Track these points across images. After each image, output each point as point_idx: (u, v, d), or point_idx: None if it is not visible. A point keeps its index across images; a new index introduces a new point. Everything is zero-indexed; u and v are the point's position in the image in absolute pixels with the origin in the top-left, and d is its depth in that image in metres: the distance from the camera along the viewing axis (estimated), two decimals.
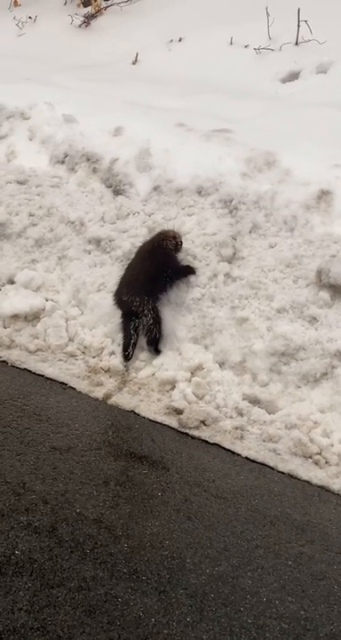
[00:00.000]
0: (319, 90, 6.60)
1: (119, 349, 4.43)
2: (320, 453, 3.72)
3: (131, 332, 4.40)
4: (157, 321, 4.40)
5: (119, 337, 4.47)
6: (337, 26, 7.08)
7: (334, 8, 7.31)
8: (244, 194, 4.86)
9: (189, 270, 4.61)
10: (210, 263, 4.65)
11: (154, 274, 4.46)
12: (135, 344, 4.43)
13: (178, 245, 4.61)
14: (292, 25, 7.10)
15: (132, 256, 4.71)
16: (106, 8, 9.00)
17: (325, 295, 4.24)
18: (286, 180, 4.84)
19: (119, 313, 4.51)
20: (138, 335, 4.44)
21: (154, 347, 4.44)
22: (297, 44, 7.20)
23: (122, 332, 4.46)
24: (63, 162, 5.64)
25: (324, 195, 4.64)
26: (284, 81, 6.95)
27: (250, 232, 4.72)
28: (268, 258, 4.55)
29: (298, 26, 7.07)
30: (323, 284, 4.26)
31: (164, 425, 3.94)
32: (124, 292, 4.45)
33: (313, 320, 4.21)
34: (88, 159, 5.52)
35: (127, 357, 4.41)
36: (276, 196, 4.77)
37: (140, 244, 4.75)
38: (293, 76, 6.96)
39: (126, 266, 4.66)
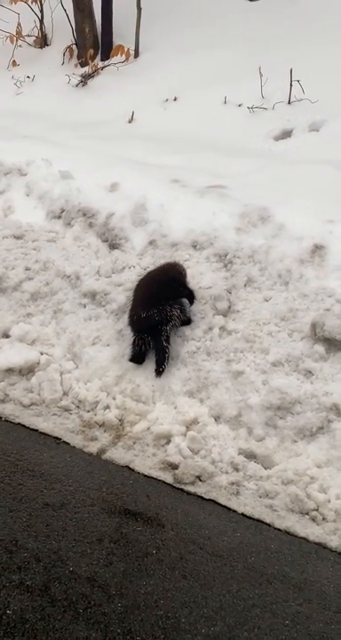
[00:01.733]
0: (311, 147, 6.73)
1: (114, 402, 4.41)
2: (317, 509, 3.66)
3: (164, 344, 4.45)
4: (184, 310, 4.53)
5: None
6: (329, 86, 7.26)
7: (325, 69, 7.51)
8: (239, 248, 4.91)
9: (192, 296, 4.67)
10: (206, 316, 4.67)
11: (168, 288, 4.53)
12: (168, 357, 4.48)
13: (183, 273, 4.69)
14: (285, 84, 7.28)
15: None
16: (102, 68, 9.21)
17: (320, 348, 4.25)
18: (280, 234, 4.90)
19: (134, 334, 4.55)
20: (169, 345, 4.48)
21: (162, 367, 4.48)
22: (289, 102, 7.37)
23: (156, 349, 4.49)
24: (59, 217, 5.70)
25: (318, 249, 4.69)
26: (277, 139, 7.09)
27: (245, 286, 4.75)
28: (263, 311, 4.57)
29: (291, 85, 7.25)
30: (318, 337, 4.27)
31: (159, 480, 3.88)
32: (140, 310, 4.48)
33: (309, 373, 4.21)
34: (84, 214, 5.58)
35: (159, 374, 4.45)
36: (270, 250, 4.82)
37: (143, 275, 4.81)
38: (286, 134, 7.10)
39: (134, 289, 4.71)
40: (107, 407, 4.42)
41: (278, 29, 8.58)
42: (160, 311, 4.45)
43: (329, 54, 7.77)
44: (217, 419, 4.23)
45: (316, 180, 5.68)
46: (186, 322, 4.64)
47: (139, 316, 4.50)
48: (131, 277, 5.03)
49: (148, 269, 4.95)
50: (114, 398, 4.45)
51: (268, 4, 9.43)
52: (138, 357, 4.56)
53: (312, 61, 7.58)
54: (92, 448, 4.12)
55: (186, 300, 4.61)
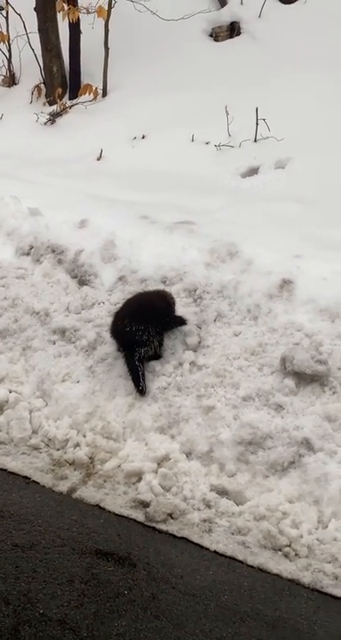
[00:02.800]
0: (278, 184, 6.85)
1: (84, 440, 4.36)
2: (289, 545, 3.64)
3: (136, 363, 4.50)
4: (159, 352, 4.62)
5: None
6: (293, 124, 7.43)
7: (289, 107, 7.69)
8: (208, 283, 4.93)
9: (182, 321, 4.71)
10: (176, 352, 4.67)
11: (158, 312, 4.58)
12: (144, 375, 4.53)
13: (172, 301, 4.75)
14: (251, 123, 7.41)
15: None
16: (71, 107, 9.30)
17: (290, 383, 4.26)
18: (248, 269, 4.94)
19: (116, 346, 4.66)
20: (144, 366, 4.54)
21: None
22: (255, 140, 7.50)
23: (128, 366, 4.56)
24: (28, 253, 5.68)
25: (286, 284, 4.73)
26: (244, 176, 7.20)
27: (215, 320, 4.77)
28: (233, 346, 4.58)
29: (257, 124, 7.39)
30: (288, 371, 4.29)
31: (130, 519, 3.83)
32: (127, 322, 4.53)
33: (279, 408, 4.21)
34: (53, 251, 5.57)
35: (142, 392, 4.47)
36: (239, 285, 4.85)
37: (135, 293, 4.86)
38: (253, 171, 7.22)
39: (123, 303, 4.78)
40: (78, 445, 4.37)
41: (243, 69, 8.77)
42: (142, 331, 4.49)
43: (292, 93, 7.97)
44: (188, 455, 4.21)
45: (283, 216, 5.77)
46: (156, 356, 4.65)
47: (124, 327, 4.54)
48: (101, 313, 5.02)
49: (140, 291, 4.96)
50: (84, 436, 4.40)
51: (233, 44, 9.65)
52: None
53: (276, 100, 7.76)
54: (62, 487, 4.06)
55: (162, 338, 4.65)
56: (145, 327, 4.50)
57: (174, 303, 4.78)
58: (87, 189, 6.41)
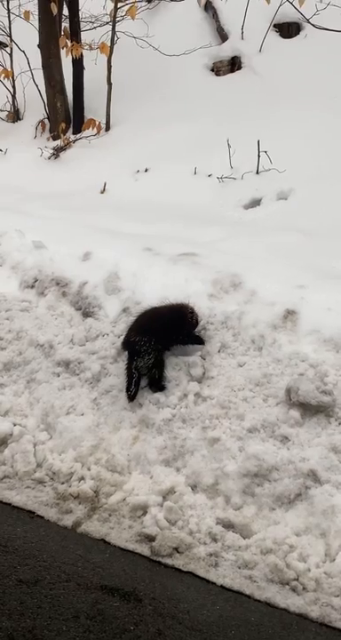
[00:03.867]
0: (280, 215, 6.88)
1: (89, 473, 4.34)
2: (297, 579, 3.59)
3: (132, 370, 4.62)
4: (158, 364, 4.62)
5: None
6: (294, 156, 7.48)
7: (290, 139, 7.76)
8: (212, 314, 4.94)
9: (199, 340, 4.77)
10: (180, 383, 4.66)
11: (169, 328, 4.65)
12: (138, 383, 4.63)
13: (194, 320, 4.76)
14: (252, 155, 7.47)
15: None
16: (74, 141, 9.40)
17: (295, 414, 4.25)
18: (252, 300, 4.94)
19: (125, 356, 4.75)
20: (139, 374, 4.64)
21: (156, 386, 4.64)
22: (257, 172, 7.56)
23: (126, 372, 4.69)
24: (33, 286, 5.70)
25: (290, 314, 4.74)
26: (247, 207, 7.24)
27: (219, 351, 4.77)
28: (238, 377, 4.57)
29: (259, 156, 7.45)
30: (293, 402, 4.28)
31: (136, 553, 3.80)
32: (132, 335, 4.69)
33: (285, 439, 4.19)
34: (57, 283, 5.59)
35: (130, 397, 4.60)
36: (243, 316, 4.86)
37: (156, 305, 4.90)
38: (255, 203, 7.26)
39: (137, 316, 4.86)
40: (82, 478, 4.34)
41: (244, 102, 8.87)
42: (143, 343, 4.57)
43: (293, 126, 8.04)
44: (193, 488, 4.18)
45: (286, 246, 5.78)
46: (160, 388, 4.66)
47: (129, 338, 4.70)
48: (105, 345, 5.02)
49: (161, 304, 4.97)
50: (89, 469, 4.38)
51: (234, 78, 9.78)
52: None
53: (277, 133, 7.83)
54: (67, 521, 4.03)
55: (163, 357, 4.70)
56: (148, 339, 4.58)
57: (194, 319, 4.77)
58: (91, 222, 6.44)
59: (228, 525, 3.94)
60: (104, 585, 3.50)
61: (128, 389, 4.64)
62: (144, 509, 4.08)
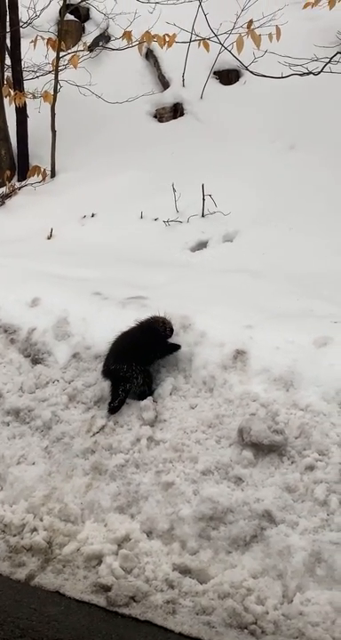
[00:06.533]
0: (227, 257, 6.98)
1: (41, 524, 4.25)
2: (255, 623, 3.56)
3: (120, 392, 4.73)
4: (148, 382, 4.77)
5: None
6: (238, 199, 7.65)
7: (233, 183, 7.93)
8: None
9: (175, 347, 4.83)
10: (133, 427, 4.63)
11: (143, 348, 4.73)
12: (123, 401, 4.74)
13: (167, 331, 4.83)
14: (197, 199, 7.60)
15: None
16: (19, 188, 9.39)
17: (248, 454, 4.25)
18: (202, 342, 4.96)
19: (108, 383, 4.82)
20: (126, 395, 4.75)
21: (147, 395, 4.76)
22: (203, 216, 7.67)
23: (111, 393, 4.77)
24: None
25: (239, 354, 4.77)
26: (194, 250, 7.32)
27: (171, 394, 4.76)
28: (190, 419, 4.57)
29: (203, 200, 7.57)
30: (246, 442, 4.28)
31: (92, 604, 3.72)
32: (111, 362, 4.76)
33: (239, 480, 4.19)
34: (5, 330, 5.52)
35: (113, 410, 4.72)
36: (194, 357, 4.87)
37: (127, 329, 4.93)
38: (202, 245, 7.36)
39: (112, 342, 4.89)
40: (35, 529, 4.25)
41: (188, 147, 9.04)
42: (125, 370, 4.69)
43: (235, 169, 8.23)
44: (149, 534, 4.13)
45: (233, 287, 5.86)
46: (145, 393, 4.77)
47: (109, 367, 4.78)
48: (56, 392, 4.97)
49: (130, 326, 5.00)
50: (41, 519, 4.29)
51: (177, 124, 9.95)
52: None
53: (221, 176, 7.98)
54: (20, 574, 3.93)
55: (150, 372, 4.82)
56: (128, 365, 4.69)
57: (167, 330, 4.85)
58: (38, 268, 6.41)
59: (185, 571, 3.89)
60: (59, 639, 3.41)
61: (112, 402, 4.74)
62: (99, 559, 4.00)
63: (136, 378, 4.71)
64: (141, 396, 4.75)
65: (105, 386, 4.86)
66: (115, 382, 4.77)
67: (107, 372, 4.82)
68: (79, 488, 4.43)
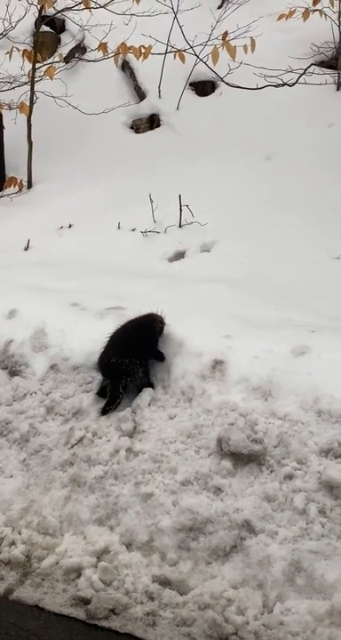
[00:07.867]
0: (204, 267, 7.00)
1: (20, 537, 4.21)
2: (236, 633, 3.55)
3: (120, 391, 4.74)
4: (147, 374, 4.83)
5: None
6: (215, 209, 7.69)
7: (210, 193, 7.98)
8: None
9: (161, 357, 4.88)
10: (111, 439, 4.61)
11: (141, 344, 4.83)
12: (120, 403, 4.74)
13: (162, 329, 4.92)
14: (175, 209, 7.62)
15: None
16: None
17: (227, 464, 4.25)
18: (180, 352, 4.97)
19: (102, 377, 4.87)
20: (124, 395, 4.75)
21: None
22: (180, 226, 7.69)
23: (110, 391, 4.76)
24: None
25: (218, 364, 4.77)
26: (171, 260, 7.33)
27: (150, 405, 4.75)
28: (169, 429, 4.56)
29: (180, 210, 7.59)
30: (225, 452, 4.28)
31: (71, 618, 3.69)
32: (111, 355, 4.77)
33: (218, 491, 4.18)
34: None
35: (105, 412, 4.73)
36: (172, 367, 4.87)
37: (126, 321, 5.01)
38: (179, 256, 7.37)
39: (109, 336, 4.91)
40: (13, 543, 4.21)
41: (165, 158, 9.07)
42: (127, 364, 4.72)
43: (212, 180, 8.28)
44: (128, 546, 4.11)
45: (211, 297, 5.87)
46: (146, 384, 4.84)
47: (109, 360, 4.78)
48: (34, 404, 4.94)
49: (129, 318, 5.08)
50: (19, 533, 4.25)
51: (154, 135, 9.99)
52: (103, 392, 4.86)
53: (198, 186, 8.02)
54: None
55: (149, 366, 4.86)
56: (129, 360, 4.73)
57: (162, 328, 4.94)
58: (15, 279, 6.38)
59: (165, 582, 3.87)
60: None
61: (107, 405, 4.75)
62: (78, 571, 3.98)
63: (137, 372, 4.75)
64: (141, 388, 4.82)
65: (94, 384, 4.91)
66: (116, 376, 4.77)
67: (105, 366, 4.82)
68: (57, 501, 4.40)
